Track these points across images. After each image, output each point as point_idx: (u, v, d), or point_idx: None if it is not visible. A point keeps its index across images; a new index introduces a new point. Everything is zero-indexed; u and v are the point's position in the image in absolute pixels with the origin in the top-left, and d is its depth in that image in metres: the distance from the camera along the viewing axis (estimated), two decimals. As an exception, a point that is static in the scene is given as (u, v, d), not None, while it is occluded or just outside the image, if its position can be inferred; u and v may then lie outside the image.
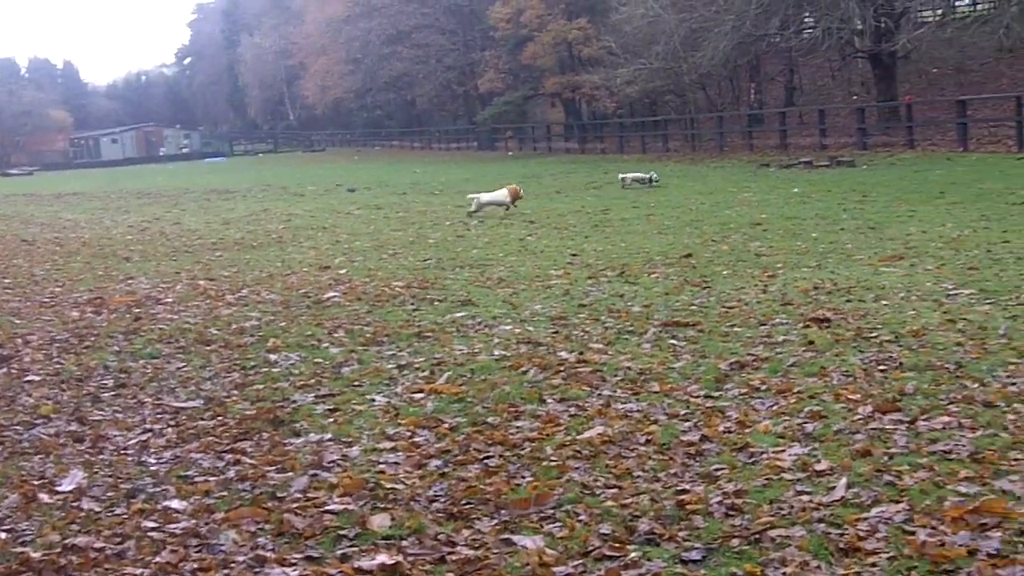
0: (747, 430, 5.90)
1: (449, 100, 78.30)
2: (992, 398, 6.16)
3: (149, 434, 6.55)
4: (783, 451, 5.47)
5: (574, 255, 13.91)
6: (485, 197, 21.54)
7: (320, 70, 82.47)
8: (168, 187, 41.86)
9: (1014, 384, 6.44)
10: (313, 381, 7.61)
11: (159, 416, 6.97)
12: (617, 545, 4.45)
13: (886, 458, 5.27)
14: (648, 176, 26.95)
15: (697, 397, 6.65)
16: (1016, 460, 5.11)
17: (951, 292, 9.58)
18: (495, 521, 4.79)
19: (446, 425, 6.30)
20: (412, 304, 10.67)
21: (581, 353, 7.99)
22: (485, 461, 5.62)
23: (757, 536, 4.43)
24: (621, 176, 27.66)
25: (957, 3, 48.28)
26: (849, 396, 6.40)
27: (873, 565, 4.11)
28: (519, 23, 56.69)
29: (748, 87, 50.02)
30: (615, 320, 9.27)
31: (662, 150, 46.27)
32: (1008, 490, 4.72)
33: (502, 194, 21.50)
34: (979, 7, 46.15)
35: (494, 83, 63.82)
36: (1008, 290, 9.46)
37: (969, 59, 41.71)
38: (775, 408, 6.31)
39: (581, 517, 4.77)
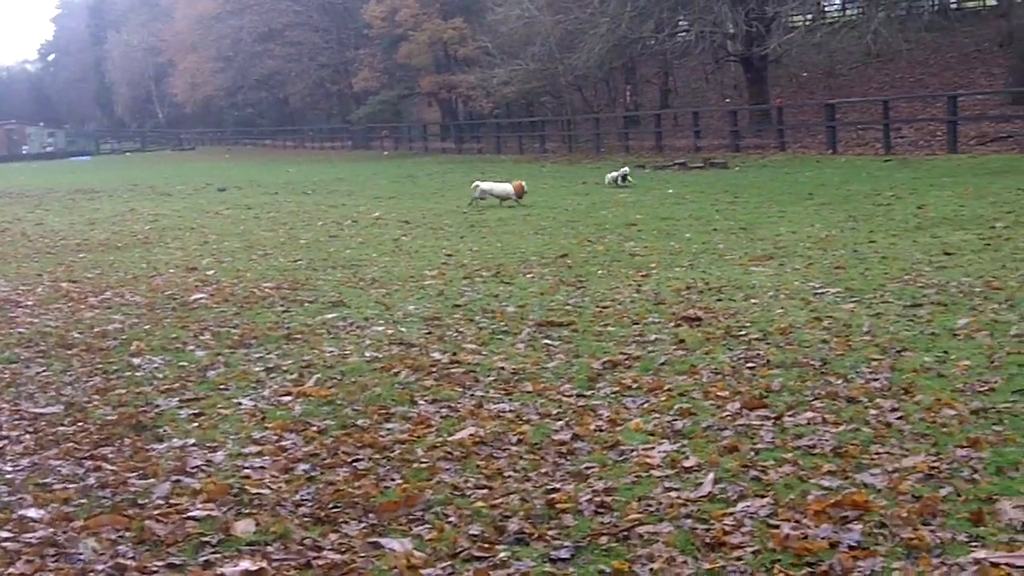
0: (618, 428, 5.92)
1: (323, 99, 77.55)
2: (855, 394, 6.29)
3: (5, 441, 6.31)
4: (653, 448, 5.50)
5: (449, 255, 13.86)
6: (485, 185, 22.02)
7: (190, 67, 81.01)
8: (31, 186, 40.60)
9: (876, 380, 6.59)
10: (178, 385, 7.42)
11: (16, 422, 6.71)
12: (486, 546, 4.41)
13: (752, 454, 5.34)
14: (622, 172, 26.02)
15: (570, 396, 6.66)
16: (877, 454, 5.22)
17: (818, 291, 9.77)
18: (363, 524, 4.71)
19: (314, 428, 6.19)
20: (281, 305, 10.50)
21: (454, 354, 7.94)
22: (354, 464, 5.53)
23: (626, 533, 4.44)
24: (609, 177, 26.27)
25: (826, 8, 49.46)
26: (718, 393, 6.48)
27: (738, 559, 4.15)
28: (394, 22, 56.35)
29: (624, 89, 50.55)
30: (489, 320, 9.24)
31: (539, 151, 46.46)
32: (869, 483, 4.81)
33: (507, 188, 21.78)
34: (848, 13, 47.36)
35: (369, 82, 63.35)
36: (872, 288, 9.69)
37: (838, 63, 42.78)
38: (646, 406, 6.34)
39: (451, 518, 4.72)
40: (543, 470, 5.31)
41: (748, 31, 36.52)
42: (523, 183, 22.20)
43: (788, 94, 42.31)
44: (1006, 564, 3.93)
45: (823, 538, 4.24)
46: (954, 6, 48.82)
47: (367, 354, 8.09)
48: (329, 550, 4.45)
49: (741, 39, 37.37)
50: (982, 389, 6.23)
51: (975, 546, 4.12)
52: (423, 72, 58.57)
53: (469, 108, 59.44)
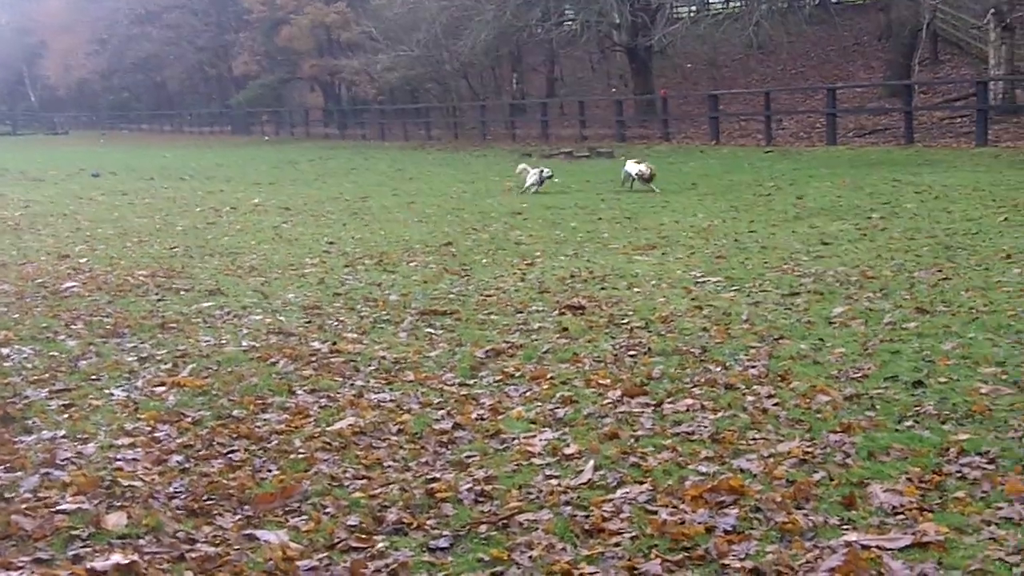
0: (500, 417, 5.91)
1: (201, 82, 76.11)
2: (733, 380, 6.37)
3: None
4: (534, 436, 5.50)
5: (331, 243, 13.70)
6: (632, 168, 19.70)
7: (63, 49, 78.69)
8: None
9: (754, 367, 6.69)
10: (47, 375, 7.16)
11: None
12: (364, 536, 4.36)
13: (632, 440, 5.37)
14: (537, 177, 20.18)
15: (452, 385, 6.63)
16: (753, 440, 5.29)
17: (699, 279, 9.89)
18: (238, 516, 4.62)
19: (189, 419, 6.05)
20: (156, 294, 10.24)
21: (334, 343, 7.85)
22: (229, 455, 5.42)
23: (505, 521, 4.43)
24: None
25: (710, 0, 50.14)
26: (599, 381, 6.51)
27: (616, 545, 4.16)
28: (275, 5, 55.51)
29: (510, 77, 50.57)
30: (371, 309, 9.16)
31: (424, 137, 46.31)
32: (745, 468, 4.88)
33: (642, 168, 19.43)
34: (731, 5, 47.98)
35: (249, 66, 62.19)
36: (752, 277, 9.84)
37: (722, 55, 43.41)
38: (528, 394, 6.35)
39: (328, 510, 4.66)
40: (423, 460, 5.27)
41: (633, 21, 36.85)
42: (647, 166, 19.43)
43: (673, 84, 42.82)
44: (876, 547, 4.01)
45: (699, 523, 4.28)
46: (834, 0, 49.90)
47: (244, 343, 7.95)
48: (203, 543, 4.35)
49: (626, 29, 37.68)
50: (856, 376, 6.36)
51: (846, 529, 4.20)
52: (305, 56, 57.79)
53: (352, 93, 58.85)
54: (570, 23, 41.94)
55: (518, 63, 49.28)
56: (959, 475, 4.70)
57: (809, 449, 5.09)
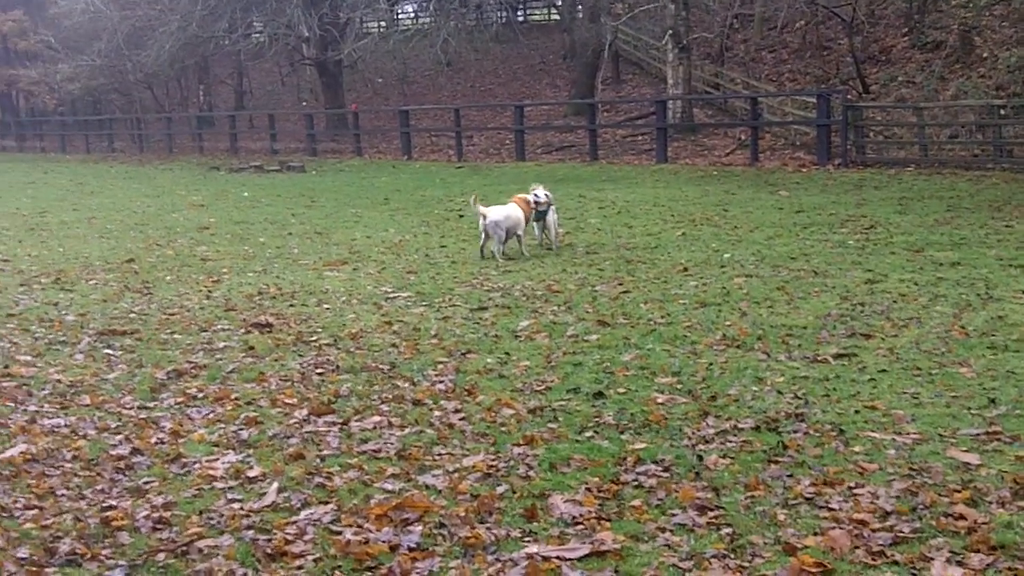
0: (181, 440, 5.74)
1: None
2: (420, 396, 6.44)
3: None
4: (216, 459, 5.38)
5: (5, 261, 12.92)
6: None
7: None
8: None
9: (442, 382, 6.78)
10: None
11: None
12: (35, 569, 4.16)
13: (318, 460, 5.33)
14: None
15: (130, 409, 6.40)
16: (439, 455, 5.36)
17: (390, 295, 9.94)
18: None
19: None
20: None
21: (6, 366, 7.42)
22: None
23: (184, 548, 4.31)
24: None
25: (400, 16, 50.47)
26: (286, 400, 6.43)
27: (299, 568, 4.12)
28: (-55, 13, 52.03)
29: (197, 89, 49.31)
30: (46, 330, 8.70)
31: (108, 150, 44.47)
32: (431, 484, 4.93)
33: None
34: (420, 21, 48.49)
35: (-85, 76, 57.92)
36: (442, 292, 9.97)
37: (412, 71, 43.81)
38: (211, 416, 6.20)
39: (-3, 543, 4.40)
40: (99, 487, 5.06)
41: (322, 35, 36.64)
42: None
43: (364, 99, 42.89)
44: (556, 557, 4.13)
45: (384, 541, 4.29)
46: (521, 20, 51.29)
47: (-97, 370, 7.38)
48: None
49: (315, 43, 37.44)
50: (539, 388, 6.56)
51: (528, 541, 4.31)
52: (-21, 66, 54.40)
53: (31, 104, 55.82)
54: (258, 35, 41.23)
55: (205, 74, 48.10)
56: (636, 483, 4.90)
57: (493, 463, 5.20)
